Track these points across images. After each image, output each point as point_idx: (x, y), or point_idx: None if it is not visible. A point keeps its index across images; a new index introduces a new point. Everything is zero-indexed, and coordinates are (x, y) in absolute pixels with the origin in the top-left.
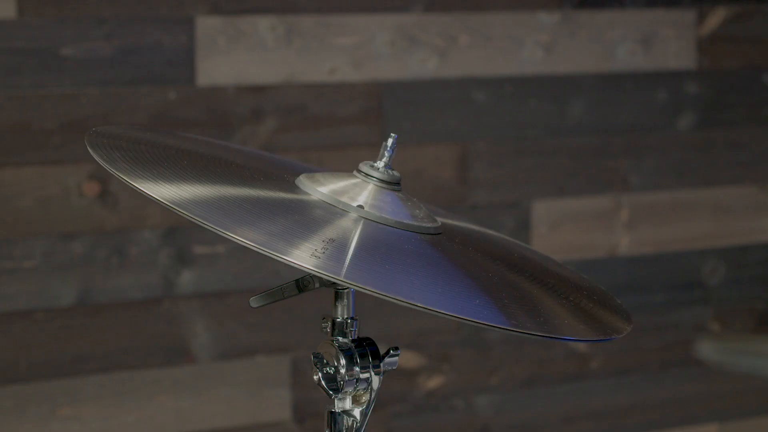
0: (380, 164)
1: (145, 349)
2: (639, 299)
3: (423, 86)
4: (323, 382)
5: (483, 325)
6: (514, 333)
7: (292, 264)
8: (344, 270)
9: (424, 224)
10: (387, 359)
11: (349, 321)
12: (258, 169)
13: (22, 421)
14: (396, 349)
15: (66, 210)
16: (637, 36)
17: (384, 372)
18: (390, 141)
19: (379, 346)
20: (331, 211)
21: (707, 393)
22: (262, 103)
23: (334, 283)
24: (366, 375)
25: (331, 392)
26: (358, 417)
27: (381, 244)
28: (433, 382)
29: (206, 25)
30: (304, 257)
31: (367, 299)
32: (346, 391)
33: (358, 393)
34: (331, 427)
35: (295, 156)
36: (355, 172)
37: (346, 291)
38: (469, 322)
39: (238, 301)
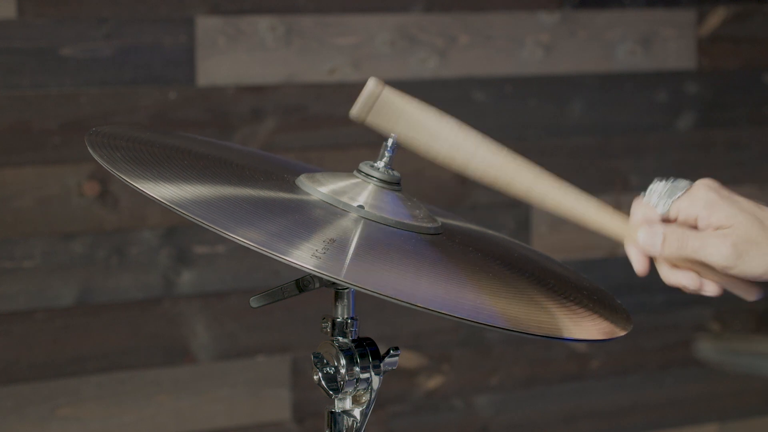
0: (380, 164)
1: (145, 349)
2: (639, 299)
3: (423, 86)
4: (323, 382)
5: (483, 326)
6: (514, 333)
7: (293, 264)
8: (344, 270)
9: (424, 224)
10: (387, 359)
11: (349, 321)
12: (258, 169)
13: (22, 421)
14: (396, 349)
15: (66, 210)
16: (637, 36)
17: (384, 372)
18: (390, 141)
19: (379, 346)
20: (332, 211)
21: (707, 393)
22: (262, 103)
23: (334, 283)
24: (366, 375)
25: (331, 392)
26: (358, 417)
27: (381, 244)
28: (433, 382)
29: (206, 25)
30: (304, 257)
31: (367, 299)
32: (346, 391)
33: (358, 393)
34: (331, 427)
35: (295, 156)
36: (355, 172)
37: (346, 291)
38: (469, 323)
39: (238, 301)
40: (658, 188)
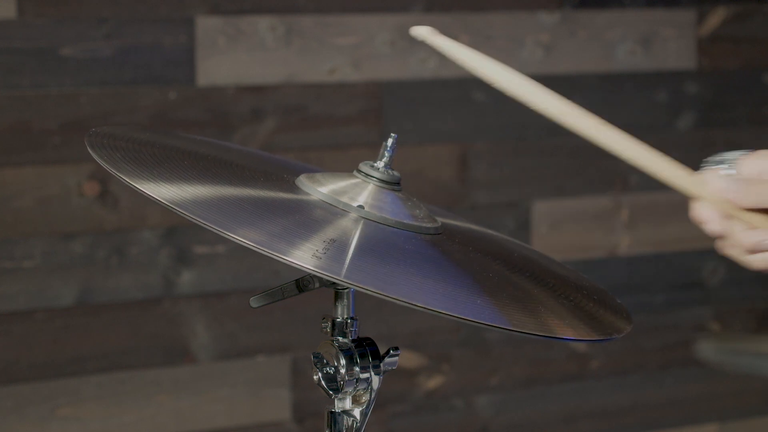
0: (380, 164)
1: (145, 349)
2: (639, 299)
3: (423, 86)
4: (323, 382)
5: (484, 326)
6: (515, 333)
7: (293, 264)
8: (344, 270)
9: (424, 224)
10: (387, 359)
11: (349, 321)
12: (258, 169)
13: (22, 421)
14: (396, 349)
15: (66, 210)
16: (637, 36)
17: (384, 372)
18: (390, 141)
19: (379, 346)
20: (332, 211)
21: (707, 393)
22: (262, 103)
23: (334, 283)
24: (366, 375)
25: (331, 392)
26: (358, 417)
27: (381, 244)
28: (433, 382)
29: (206, 25)
30: (305, 258)
31: (367, 299)
32: (346, 391)
33: (358, 393)
34: (331, 427)
35: (295, 156)
36: (355, 172)
37: (346, 291)
38: (470, 323)
39: (238, 301)
40: (714, 159)
